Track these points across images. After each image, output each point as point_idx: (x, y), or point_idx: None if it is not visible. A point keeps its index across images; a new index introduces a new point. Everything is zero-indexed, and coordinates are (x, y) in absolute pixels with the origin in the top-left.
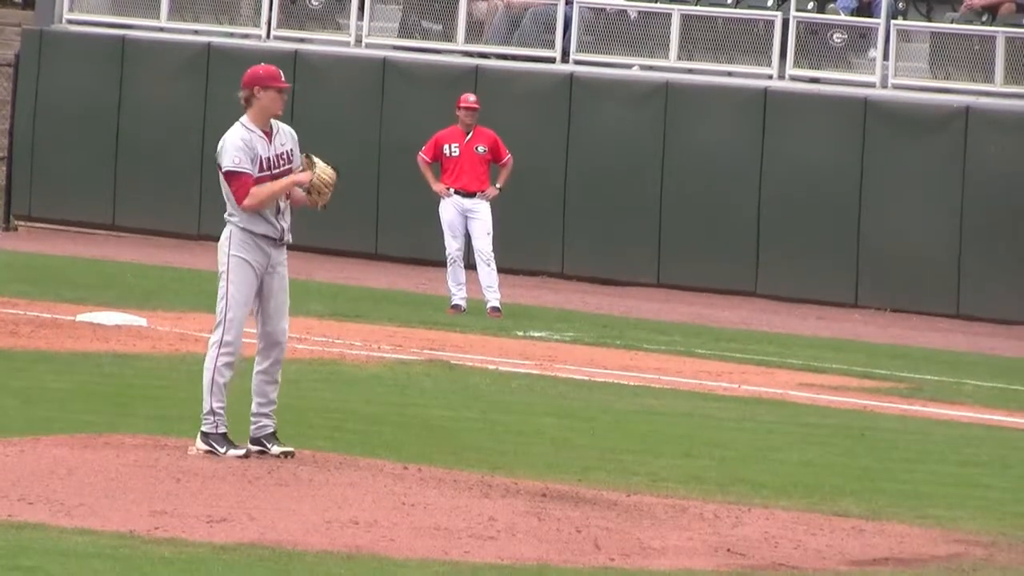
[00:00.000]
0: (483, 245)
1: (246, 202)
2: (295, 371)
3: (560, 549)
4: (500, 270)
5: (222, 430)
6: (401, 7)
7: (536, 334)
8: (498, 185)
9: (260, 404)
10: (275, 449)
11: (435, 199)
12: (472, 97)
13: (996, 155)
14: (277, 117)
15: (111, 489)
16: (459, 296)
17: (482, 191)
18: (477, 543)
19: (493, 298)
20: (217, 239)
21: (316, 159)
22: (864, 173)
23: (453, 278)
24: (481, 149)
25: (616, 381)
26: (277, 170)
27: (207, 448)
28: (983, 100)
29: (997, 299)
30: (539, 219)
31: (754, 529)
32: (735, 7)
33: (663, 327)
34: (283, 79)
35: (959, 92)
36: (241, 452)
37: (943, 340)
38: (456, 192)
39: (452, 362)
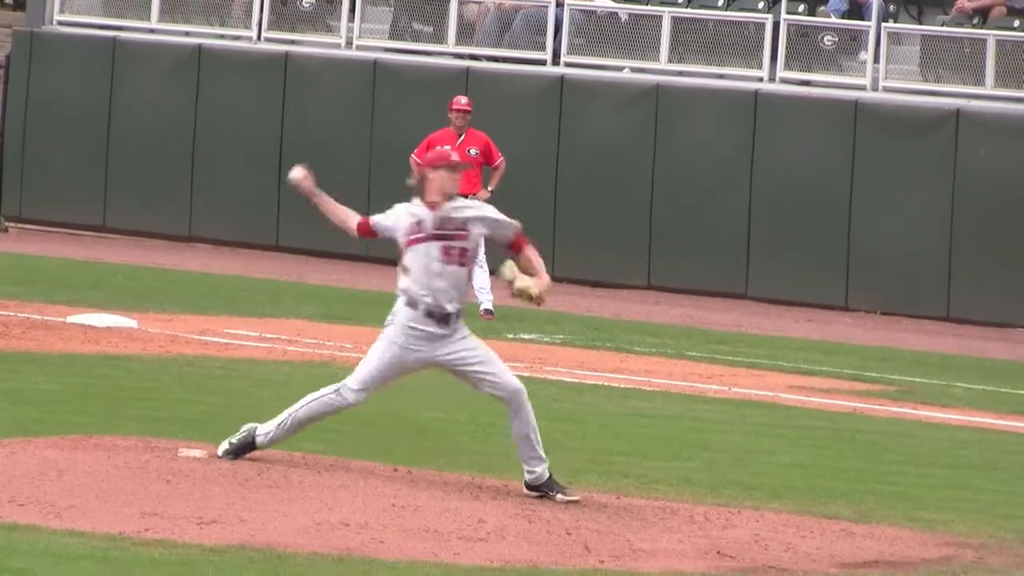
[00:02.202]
0: None
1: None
2: (285, 373)
3: (550, 551)
4: (490, 272)
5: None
6: (392, 9)
7: (526, 336)
8: (490, 188)
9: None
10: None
11: None
12: (464, 99)
13: (986, 157)
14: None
15: (101, 491)
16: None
17: (474, 194)
18: (467, 545)
19: (486, 300)
20: (208, 241)
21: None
22: (855, 176)
23: None
24: (473, 151)
25: (606, 383)
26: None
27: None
28: (974, 103)
29: (987, 302)
30: (529, 221)
31: (744, 531)
32: (726, 9)
33: (653, 329)
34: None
35: (950, 95)
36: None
37: (933, 343)
38: None
39: None
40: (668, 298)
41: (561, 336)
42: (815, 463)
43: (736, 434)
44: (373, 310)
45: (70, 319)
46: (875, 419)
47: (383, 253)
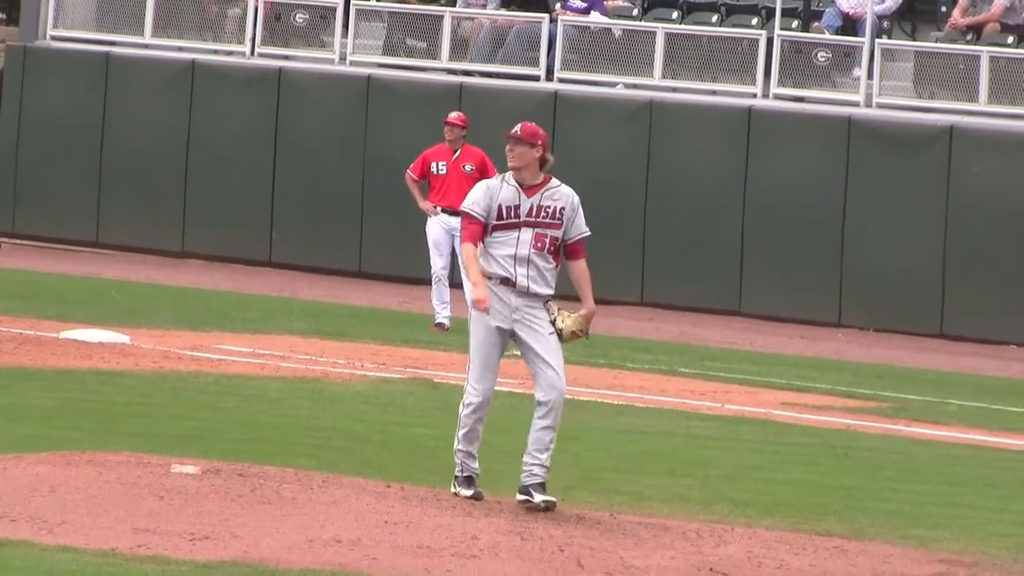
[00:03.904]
0: None
1: (463, 249)
2: (278, 389)
3: (543, 568)
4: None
5: (464, 473)
6: (386, 25)
7: (517, 352)
8: None
9: (533, 453)
10: (538, 498)
11: (419, 217)
12: (455, 114)
13: (980, 174)
14: (518, 170)
15: (94, 507)
16: (443, 315)
17: None
18: (460, 562)
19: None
20: (201, 256)
21: (561, 315)
22: (848, 192)
23: (437, 296)
24: (468, 167)
25: (599, 400)
26: (531, 218)
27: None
28: (967, 119)
29: (981, 318)
30: None
31: (737, 548)
32: (719, 25)
33: (647, 346)
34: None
35: (943, 111)
36: (468, 493)
37: (927, 359)
38: (443, 210)
39: (435, 380)
40: (661, 314)
41: None
42: (808, 480)
43: (729, 451)
44: (366, 326)
45: (63, 334)
46: (868, 436)
47: (372, 269)
